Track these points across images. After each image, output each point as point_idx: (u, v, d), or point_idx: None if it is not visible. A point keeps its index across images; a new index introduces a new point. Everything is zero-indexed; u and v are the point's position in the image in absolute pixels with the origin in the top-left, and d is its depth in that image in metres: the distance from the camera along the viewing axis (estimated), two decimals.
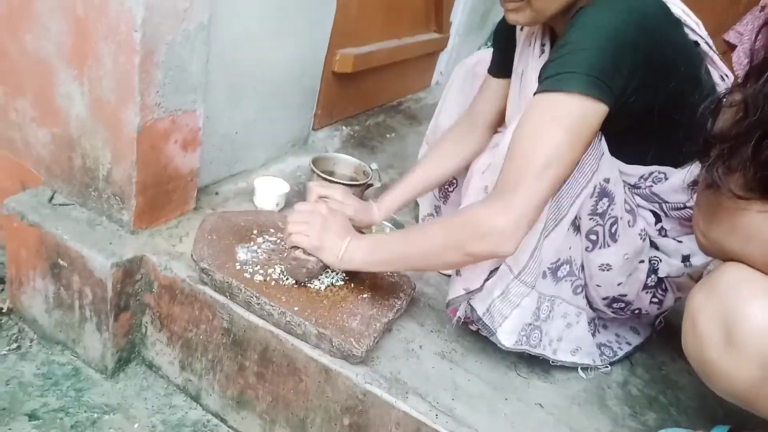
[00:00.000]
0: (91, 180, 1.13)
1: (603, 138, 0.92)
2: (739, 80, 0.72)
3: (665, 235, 1.03)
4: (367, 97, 2.08)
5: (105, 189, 1.12)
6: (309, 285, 1.05)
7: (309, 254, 0.99)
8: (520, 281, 0.95)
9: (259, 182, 1.36)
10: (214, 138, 1.33)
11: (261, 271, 1.04)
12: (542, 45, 1.02)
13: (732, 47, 0.78)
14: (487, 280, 0.95)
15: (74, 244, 1.07)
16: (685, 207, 1.00)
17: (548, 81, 0.82)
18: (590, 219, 0.95)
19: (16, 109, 1.17)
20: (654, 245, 1.03)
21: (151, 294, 1.12)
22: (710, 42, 0.95)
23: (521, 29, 1.09)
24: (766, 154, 0.64)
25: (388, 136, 2.00)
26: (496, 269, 0.95)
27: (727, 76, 0.95)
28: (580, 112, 0.80)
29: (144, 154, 1.06)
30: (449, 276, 1.27)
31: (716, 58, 0.94)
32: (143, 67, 0.97)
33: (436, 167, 1.25)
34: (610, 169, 0.93)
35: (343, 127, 1.94)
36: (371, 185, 1.43)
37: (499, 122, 1.22)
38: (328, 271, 1.09)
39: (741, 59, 0.73)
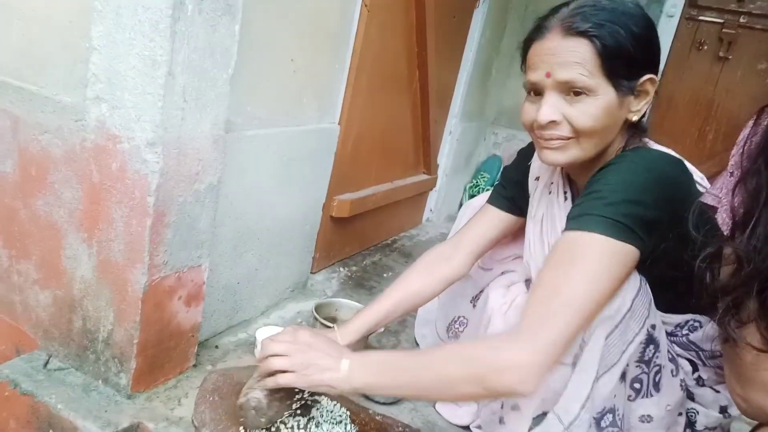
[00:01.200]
0: (90, 342, 1.09)
1: (648, 283, 0.92)
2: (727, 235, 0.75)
3: (703, 385, 1.00)
4: (362, 238, 2.12)
5: (104, 351, 1.08)
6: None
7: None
8: None
9: (261, 333, 1.33)
10: (217, 290, 1.31)
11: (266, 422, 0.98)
12: (565, 192, 1.06)
13: (711, 208, 0.82)
14: (530, 429, 0.90)
15: (67, 414, 1.00)
16: (720, 355, 0.98)
17: (578, 219, 0.84)
18: (637, 366, 0.92)
19: (18, 272, 1.16)
20: (690, 396, 1.00)
21: None
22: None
23: (536, 179, 1.14)
24: None
25: (385, 275, 2.01)
26: (541, 416, 0.91)
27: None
28: (608, 250, 0.81)
29: (148, 314, 1.04)
30: (464, 429, 1.21)
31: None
32: (154, 228, 0.99)
33: (409, 287, 1.18)
34: (655, 314, 0.93)
35: (341, 269, 1.95)
36: (374, 330, 1.40)
37: (483, 253, 1.21)
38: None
39: (725, 219, 0.76)
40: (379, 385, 0.89)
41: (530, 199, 1.15)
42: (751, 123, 0.74)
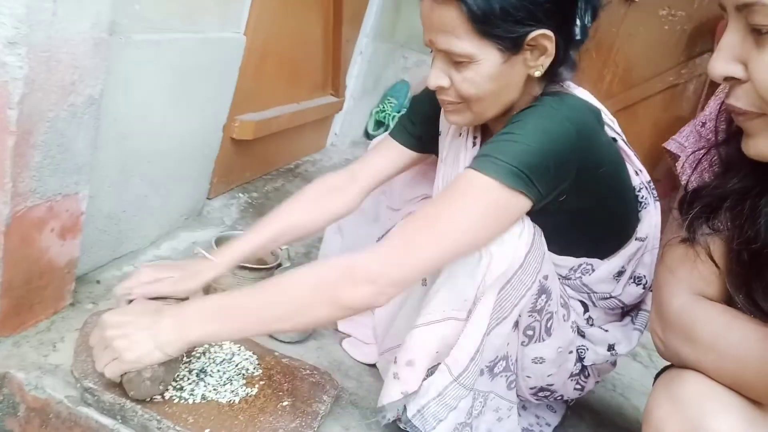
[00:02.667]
0: None
1: (542, 235, 0.91)
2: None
3: (592, 324, 1.05)
4: (264, 162, 1.98)
5: None
6: (219, 399, 0.91)
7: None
8: (460, 384, 0.90)
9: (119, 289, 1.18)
10: (98, 219, 1.15)
11: (161, 387, 0.89)
12: (474, 138, 1.02)
13: (672, 155, 0.82)
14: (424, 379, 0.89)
15: None
16: (611, 297, 1.02)
17: (480, 159, 0.82)
18: (529, 315, 0.93)
19: None
20: (581, 334, 1.04)
21: (15, 418, 0.91)
22: (624, 138, 1.00)
23: None
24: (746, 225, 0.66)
25: None
26: (434, 367, 0.90)
27: (640, 171, 1.01)
28: (496, 197, 0.80)
29: (12, 250, 0.88)
30: (371, 366, 1.20)
31: (630, 153, 1.00)
32: (18, 149, 0.81)
33: (292, 218, 1.08)
34: (548, 265, 0.93)
35: (240, 195, 1.81)
36: (280, 266, 1.32)
37: (374, 188, 1.15)
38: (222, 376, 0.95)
39: (686, 169, 0.76)
40: (221, 331, 0.83)
41: (440, 139, 1.10)
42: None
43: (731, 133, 0.71)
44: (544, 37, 0.83)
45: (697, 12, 2.57)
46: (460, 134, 1.04)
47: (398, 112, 2.77)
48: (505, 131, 0.84)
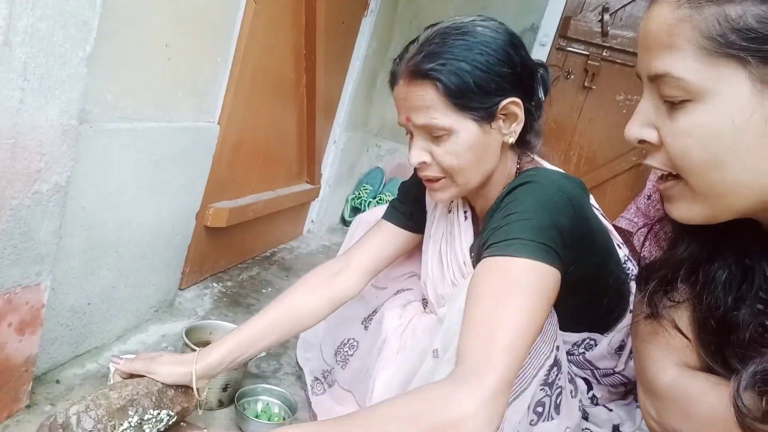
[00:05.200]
0: None
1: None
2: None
3: (597, 404, 1.00)
4: (239, 250, 1.95)
5: None
6: None
7: None
8: None
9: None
10: (61, 312, 1.09)
11: None
12: (465, 212, 1.03)
13: (623, 232, 0.82)
14: None
15: None
16: (614, 373, 0.99)
17: (502, 245, 0.78)
18: (541, 389, 0.88)
19: None
20: (584, 415, 0.99)
21: None
22: (602, 212, 1.02)
23: None
24: (705, 294, 0.64)
25: (264, 291, 1.85)
26: None
27: (621, 243, 1.01)
28: (537, 274, 0.76)
29: None
30: None
31: (609, 225, 1.01)
32: None
33: (293, 307, 1.03)
34: (560, 337, 0.90)
35: (214, 284, 1.76)
36: (255, 356, 1.26)
37: (378, 271, 1.12)
38: None
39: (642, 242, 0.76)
40: None
41: (428, 217, 1.10)
42: None
43: None
44: (513, 104, 0.88)
45: None
46: (450, 210, 1.05)
47: (374, 198, 2.80)
48: (507, 213, 0.82)
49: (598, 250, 0.91)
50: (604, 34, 2.68)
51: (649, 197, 0.75)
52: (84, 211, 1.06)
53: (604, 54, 2.71)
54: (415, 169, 0.95)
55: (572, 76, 2.79)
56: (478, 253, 0.84)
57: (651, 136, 0.61)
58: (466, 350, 0.73)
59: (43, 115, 0.82)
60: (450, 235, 1.04)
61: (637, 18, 2.68)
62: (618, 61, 2.70)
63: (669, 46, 0.56)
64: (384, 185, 2.93)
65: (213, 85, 1.43)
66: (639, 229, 0.77)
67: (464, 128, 0.87)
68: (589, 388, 1.00)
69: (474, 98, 0.85)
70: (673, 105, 0.58)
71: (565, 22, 2.72)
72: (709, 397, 0.65)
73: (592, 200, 1.01)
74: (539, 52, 2.77)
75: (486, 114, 0.87)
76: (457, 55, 0.85)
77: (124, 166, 1.13)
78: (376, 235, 1.13)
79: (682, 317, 0.70)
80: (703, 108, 0.55)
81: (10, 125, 0.77)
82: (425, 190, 1.09)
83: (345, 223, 2.81)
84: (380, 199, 2.81)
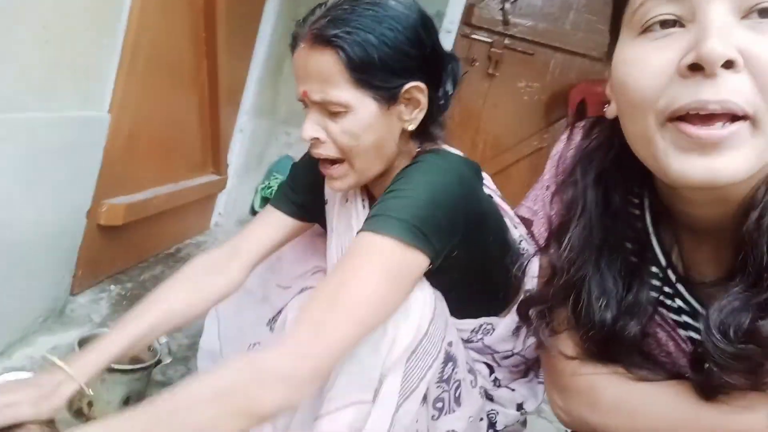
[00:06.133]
0: None
1: (443, 299, 0.89)
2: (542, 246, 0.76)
3: (499, 386, 1.02)
4: (139, 248, 1.81)
5: None
6: None
7: None
8: None
9: None
10: None
11: None
12: (363, 200, 1.00)
13: (525, 221, 0.83)
14: None
15: None
16: (513, 354, 1.01)
17: (372, 220, 0.79)
18: (437, 387, 0.88)
19: None
20: (489, 398, 1.01)
21: None
22: (500, 194, 1.03)
23: None
24: (583, 314, 0.66)
25: None
26: None
27: (518, 224, 1.03)
28: (395, 253, 0.76)
29: None
30: None
31: (506, 207, 1.02)
32: None
33: (171, 304, 0.96)
34: (452, 330, 0.90)
35: (112, 287, 1.63)
36: (160, 362, 1.18)
37: (260, 261, 1.07)
38: None
39: (541, 231, 0.78)
40: None
41: (327, 209, 1.06)
42: (564, 137, 0.75)
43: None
44: (417, 89, 0.85)
45: (550, 83, 2.85)
46: (347, 200, 1.01)
47: None
48: (391, 189, 0.82)
49: (490, 230, 0.92)
50: (506, 22, 2.77)
51: (547, 187, 0.77)
52: None
53: (506, 42, 2.80)
54: (310, 150, 0.91)
55: (477, 64, 2.86)
56: None
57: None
58: (301, 315, 0.75)
59: None
60: (349, 227, 1.01)
61: (536, 7, 2.79)
62: (519, 49, 2.80)
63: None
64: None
65: (100, 72, 1.30)
66: (542, 217, 0.78)
67: (363, 106, 0.83)
68: (491, 371, 1.02)
69: (377, 75, 0.82)
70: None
71: (469, 10, 2.76)
72: (613, 384, 0.67)
73: (490, 183, 1.02)
74: (445, 40, 2.79)
75: (388, 95, 0.84)
76: (365, 26, 0.81)
77: None
78: (263, 223, 1.08)
79: (567, 342, 0.71)
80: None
81: None
82: (323, 178, 1.05)
83: (255, 214, 2.72)
84: None
